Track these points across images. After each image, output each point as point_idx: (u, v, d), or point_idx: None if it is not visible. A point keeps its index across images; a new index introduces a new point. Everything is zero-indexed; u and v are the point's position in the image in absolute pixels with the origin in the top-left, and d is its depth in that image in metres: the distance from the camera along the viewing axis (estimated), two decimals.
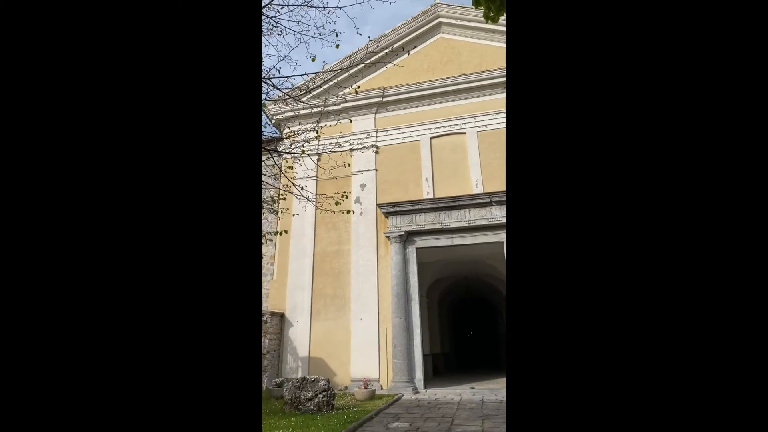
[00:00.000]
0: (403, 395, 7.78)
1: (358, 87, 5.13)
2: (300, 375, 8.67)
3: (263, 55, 4.85)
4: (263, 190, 9.46)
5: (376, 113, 10.77)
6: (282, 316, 9.62)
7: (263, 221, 9.41)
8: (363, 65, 8.92)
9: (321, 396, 6.08)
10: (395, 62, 8.43)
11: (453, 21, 10.84)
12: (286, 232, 5.75)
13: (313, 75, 4.60)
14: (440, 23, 11.00)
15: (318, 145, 4.80)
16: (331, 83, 9.80)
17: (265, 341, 9.01)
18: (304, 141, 5.10)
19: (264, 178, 5.44)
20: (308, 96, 8.40)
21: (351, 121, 8.78)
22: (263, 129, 5.06)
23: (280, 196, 5.62)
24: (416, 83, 10.42)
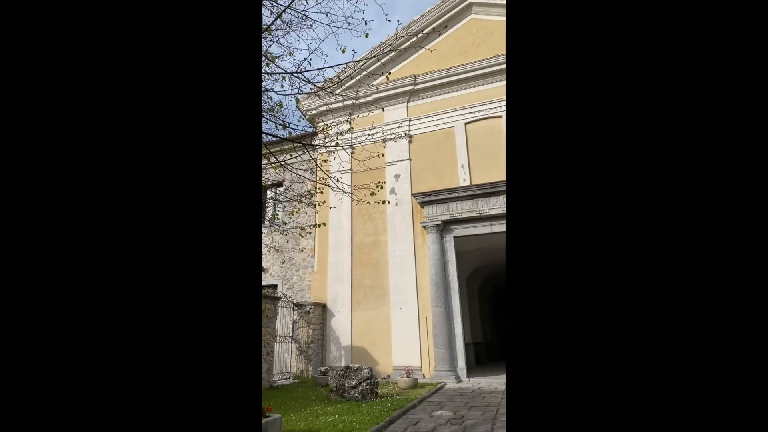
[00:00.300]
0: (446, 384, 7.77)
1: (390, 74, 5.06)
2: (343, 364, 8.88)
3: (294, 50, 4.89)
4: (300, 185, 9.68)
5: (408, 102, 10.64)
6: (324, 306, 9.87)
7: (302, 215, 9.64)
8: (394, 52, 8.80)
9: (365, 384, 6.20)
10: (427, 47, 8.23)
11: (484, 0, 10.43)
12: (324, 224, 5.86)
13: (344, 65, 4.61)
14: (471, 4, 10.61)
15: (351, 137, 4.84)
16: (363, 73, 9.79)
17: (309, 331, 9.29)
18: (337, 134, 5.13)
19: (300, 172, 5.55)
20: (341, 89, 8.44)
21: (383, 110, 8.72)
22: (297, 124, 5.13)
23: (317, 190, 5.72)
24: (448, 68, 10.16)
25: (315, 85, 4.01)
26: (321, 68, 3.61)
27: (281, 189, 10.57)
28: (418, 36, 8.48)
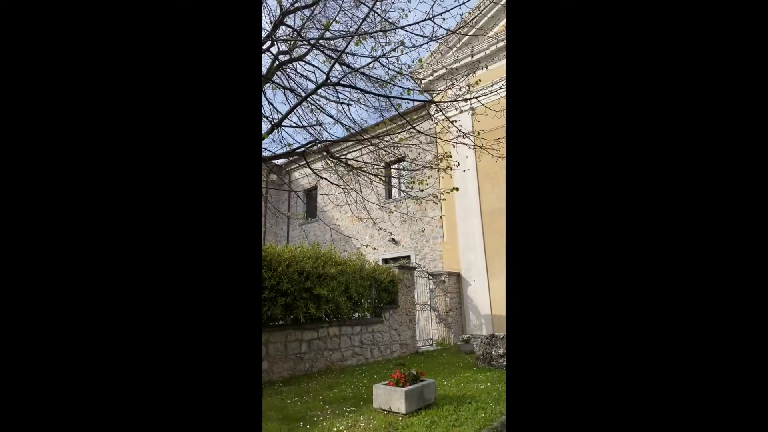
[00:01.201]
0: None
1: None
2: (484, 332, 8.68)
3: (409, 11, 4.73)
4: (426, 153, 9.58)
5: None
6: (458, 275, 9.75)
7: (428, 185, 9.58)
8: None
9: None
10: None
11: None
12: (457, 189, 5.62)
13: (470, 11, 4.19)
14: None
15: (469, 98, 4.42)
16: (483, 19, 8.98)
17: (446, 299, 9.32)
18: (462, 87, 4.77)
19: (424, 140, 5.40)
20: (457, 46, 7.90)
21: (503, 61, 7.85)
22: (413, 92, 4.98)
23: (446, 155, 5.50)
24: None
25: (447, 30, 3.73)
26: (447, 10, 3.30)
27: (405, 161, 10.66)
28: None
